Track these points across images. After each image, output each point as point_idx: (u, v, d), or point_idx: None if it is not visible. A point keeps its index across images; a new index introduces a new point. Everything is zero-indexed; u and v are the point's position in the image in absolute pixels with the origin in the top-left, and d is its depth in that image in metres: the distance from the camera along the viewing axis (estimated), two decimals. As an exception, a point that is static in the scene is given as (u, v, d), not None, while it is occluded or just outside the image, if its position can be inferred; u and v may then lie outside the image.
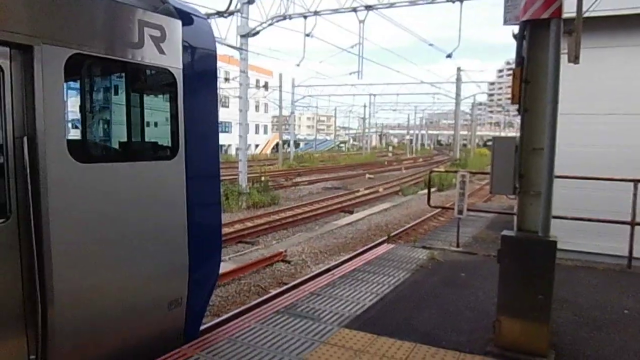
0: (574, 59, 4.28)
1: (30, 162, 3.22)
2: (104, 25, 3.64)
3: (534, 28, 4.27)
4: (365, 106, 67.58)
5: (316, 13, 17.42)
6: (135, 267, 3.99)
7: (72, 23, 3.41)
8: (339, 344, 4.46)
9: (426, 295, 5.92)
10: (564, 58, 4.18)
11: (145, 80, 4.19)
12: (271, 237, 12.99)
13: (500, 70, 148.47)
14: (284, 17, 17.76)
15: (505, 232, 4.44)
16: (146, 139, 4.21)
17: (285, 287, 8.16)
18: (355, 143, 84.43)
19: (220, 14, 17.23)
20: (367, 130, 72.55)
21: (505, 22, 4.77)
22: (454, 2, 15.66)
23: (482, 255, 8.07)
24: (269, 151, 62.64)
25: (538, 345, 4.22)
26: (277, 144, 50.94)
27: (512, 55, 4.54)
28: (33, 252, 3.27)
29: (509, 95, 4.53)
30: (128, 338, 4.01)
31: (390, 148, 74.85)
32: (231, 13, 17.34)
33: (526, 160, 4.36)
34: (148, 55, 3.90)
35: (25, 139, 3.21)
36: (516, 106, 4.52)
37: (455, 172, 10.80)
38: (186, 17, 4.27)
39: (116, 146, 4.31)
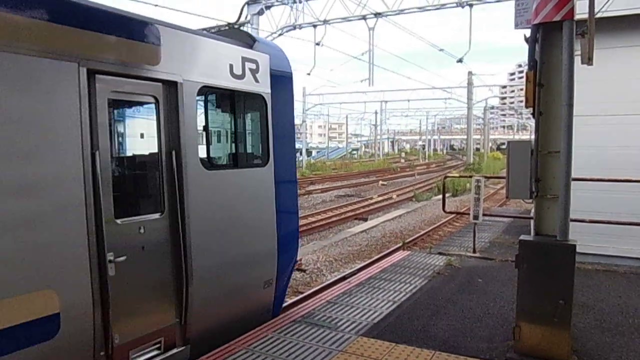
0: (588, 60, 4.25)
1: (177, 170, 4.16)
2: (220, 62, 4.64)
3: (547, 31, 4.25)
4: (376, 113, 67.52)
5: (326, 22, 17.54)
6: (244, 251, 4.95)
7: (200, 62, 4.43)
8: (357, 352, 4.44)
9: (444, 302, 5.87)
10: (577, 60, 4.15)
11: (246, 104, 5.17)
12: (286, 245, 12.96)
13: (512, 74, 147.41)
14: (294, 27, 17.91)
15: (523, 237, 4.39)
16: (248, 151, 5.32)
17: (301, 296, 8.14)
18: (367, 150, 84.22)
19: (230, 25, 17.41)
20: (379, 137, 72.42)
21: (517, 26, 4.74)
22: (463, 6, 15.66)
23: (499, 261, 7.99)
24: (281, 160, 62.58)
25: (559, 351, 4.15)
26: (289, 153, 50.79)
27: (523, 58, 4.53)
28: (179, 239, 4.20)
29: (522, 99, 4.51)
30: (236, 308, 4.97)
31: (403, 154, 74.46)
32: (242, 24, 17.53)
33: (542, 164, 4.32)
34: (248, 84, 4.95)
35: (173, 152, 4.17)
36: (530, 109, 4.49)
37: (470, 177, 10.73)
38: (271, 51, 5.35)
39: (229, 156, 5.29)
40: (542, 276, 4.22)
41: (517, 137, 77.45)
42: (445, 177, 11.63)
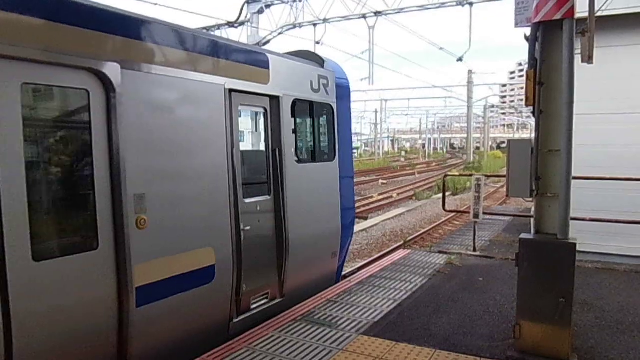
0: (588, 59, 4.24)
1: (279, 163, 5.57)
2: (305, 80, 6.10)
3: (547, 29, 4.25)
4: (376, 112, 67.45)
5: (325, 20, 17.49)
6: (320, 226, 6.37)
7: (293, 80, 5.87)
8: (358, 351, 4.45)
9: (444, 301, 5.87)
10: (577, 58, 4.15)
11: (320, 112, 6.52)
12: (286, 244, 12.94)
13: (512, 72, 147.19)
14: (294, 26, 17.84)
15: (523, 235, 4.39)
16: (322, 148, 6.66)
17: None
18: (367, 149, 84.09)
19: (230, 24, 17.39)
20: (379, 136, 72.36)
21: (517, 24, 4.73)
22: (463, 5, 15.60)
23: (499, 259, 8.00)
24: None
25: (560, 349, 4.16)
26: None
27: (523, 57, 4.51)
28: (280, 215, 5.58)
29: (523, 97, 4.50)
30: (314, 272, 6.37)
31: (403, 153, 74.32)
32: (241, 23, 17.50)
33: (543, 163, 4.32)
34: (322, 96, 6.41)
35: (277, 150, 5.58)
36: (530, 108, 4.49)
37: (470, 175, 10.72)
38: (335, 68, 6.84)
39: (310, 153, 6.54)
40: (542, 274, 4.22)
41: (517, 135, 77.37)
42: (446, 176, 11.63)
